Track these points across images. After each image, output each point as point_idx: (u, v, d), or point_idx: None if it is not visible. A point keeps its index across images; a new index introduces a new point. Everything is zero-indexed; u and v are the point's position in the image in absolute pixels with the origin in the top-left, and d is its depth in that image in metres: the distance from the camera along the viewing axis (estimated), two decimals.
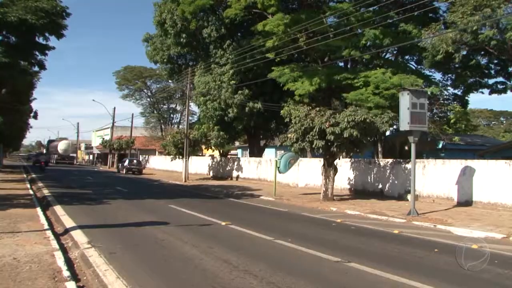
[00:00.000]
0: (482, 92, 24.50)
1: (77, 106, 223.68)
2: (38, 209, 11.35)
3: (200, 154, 41.47)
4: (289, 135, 17.46)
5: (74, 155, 69.78)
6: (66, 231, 8.87)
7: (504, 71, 23.03)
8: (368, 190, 19.64)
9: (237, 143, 48.94)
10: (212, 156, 37.43)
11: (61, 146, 60.96)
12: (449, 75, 25.21)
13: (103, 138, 60.20)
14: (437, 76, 56.99)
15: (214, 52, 29.59)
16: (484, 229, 10.44)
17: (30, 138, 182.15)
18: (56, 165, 55.19)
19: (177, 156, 32.41)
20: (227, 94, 27.63)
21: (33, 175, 29.95)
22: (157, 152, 58.47)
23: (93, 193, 17.87)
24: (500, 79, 23.55)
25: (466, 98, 25.99)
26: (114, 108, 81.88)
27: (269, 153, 43.63)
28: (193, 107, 43.53)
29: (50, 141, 71.81)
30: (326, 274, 6.14)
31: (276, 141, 37.69)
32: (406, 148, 24.68)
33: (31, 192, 16.66)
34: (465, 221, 11.76)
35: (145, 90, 69.97)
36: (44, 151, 67.47)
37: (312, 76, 22.90)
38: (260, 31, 23.43)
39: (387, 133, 26.85)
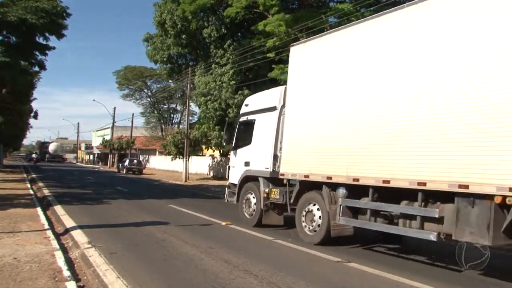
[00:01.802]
0: None
1: (77, 106, 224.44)
2: (39, 209, 11.34)
3: (201, 154, 41.49)
4: None
5: (63, 154, 79.34)
6: (67, 231, 8.87)
7: None
8: None
9: None
10: (213, 156, 37.45)
11: (51, 147, 70.71)
12: None
13: (104, 138, 60.29)
14: None
15: (215, 52, 29.57)
16: None
17: (30, 138, 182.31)
18: (47, 163, 62.79)
19: (177, 156, 32.46)
20: (227, 94, 27.63)
21: (34, 175, 29.97)
22: (157, 152, 58.53)
23: (94, 193, 17.87)
24: None
25: None
26: (114, 108, 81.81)
27: None
28: (194, 107, 43.53)
29: (43, 143, 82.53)
30: (326, 274, 6.14)
31: None
32: None
33: (31, 192, 16.64)
34: None
35: (145, 90, 70.07)
36: (38, 151, 77.44)
37: None
38: (260, 30, 23.42)
39: None
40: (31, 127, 57.20)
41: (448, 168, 5.70)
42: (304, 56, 8.83)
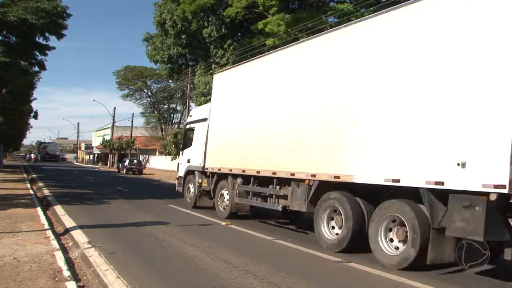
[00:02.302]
0: None
1: (77, 106, 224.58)
2: (39, 209, 11.34)
3: None
4: None
5: (62, 154, 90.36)
6: (67, 231, 8.87)
7: None
8: None
9: None
10: None
11: (48, 148, 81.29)
12: None
13: (104, 138, 60.30)
14: None
15: (215, 52, 29.58)
16: None
17: (30, 138, 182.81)
18: (43, 162, 69.50)
19: (177, 156, 32.40)
20: None
21: (34, 175, 29.97)
22: (157, 152, 58.48)
23: (94, 193, 17.86)
24: None
25: None
26: (115, 108, 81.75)
27: None
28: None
29: (41, 143, 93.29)
30: (326, 274, 6.14)
31: None
32: None
33: (31, 192, 16.64)
34: None
35: (146, 90, 70.05)
36: (37, 151, 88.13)
37: None
38: (260, 30, 23.44)
39: None
40: (31, 127, 57.78)
41: (286, 163, 8.84)
42: (222, 82, 12.21)
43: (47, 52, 20.14)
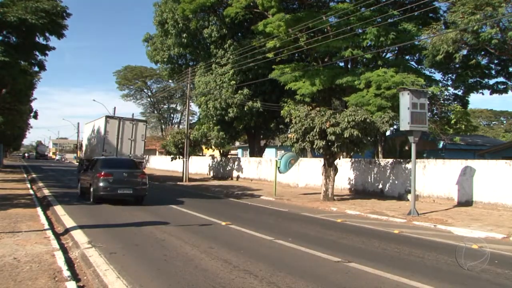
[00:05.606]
0: (483, 93, 24.43)
1: (77, 106, 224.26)
2: (39, 209, 11.35)
3: (201, 154, 41.46)
4: (289, 135, 17.44)
5: (46, 153, 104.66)
6: (67, 231, 8.87)
7: (505, 71, 22.96)
8: (368, 190, 19.64)
9: (237, 143, 48.90)
10: (213, 156, 37.44)
11: (39, 148, 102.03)
12: (449, 75, 25.15)
13: None
14: (437, 76, 56.65)
15: (215, 52, 29.56)
16: (484, 229, 10.45)
17: (30, 138, 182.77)
18: (36, 159, 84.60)
19: (177, 156, 32.38)
20: (227, 93, 27.61)
21: (34, 175, 29.97)
22: (157, 152, 58.46)
23: None
24: (501, 79, 23.49)
25: (467, 98, 25.91)
26: (114, 108, 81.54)
27: (269, 153, 43.60)
28: (194, 107, 43.59)
29: (37, 145, 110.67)
30: (326, 274, 6.14)
31: (276, 141, 37.67)
32: (407, 148, 24.67)
33: (31, 192, 16.65)
34: (465, 221, 11.77)
35: (146, 90, 70.13)
36: (34, 151, 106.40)
37: (313, 77, 22.83)
38: (260, 31, 23.39)
39: (387, 133, 26.79)
40: (31, 127, 57.86)
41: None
42: (87, 127, 29.08)
43: (47, 52, 20.12)
